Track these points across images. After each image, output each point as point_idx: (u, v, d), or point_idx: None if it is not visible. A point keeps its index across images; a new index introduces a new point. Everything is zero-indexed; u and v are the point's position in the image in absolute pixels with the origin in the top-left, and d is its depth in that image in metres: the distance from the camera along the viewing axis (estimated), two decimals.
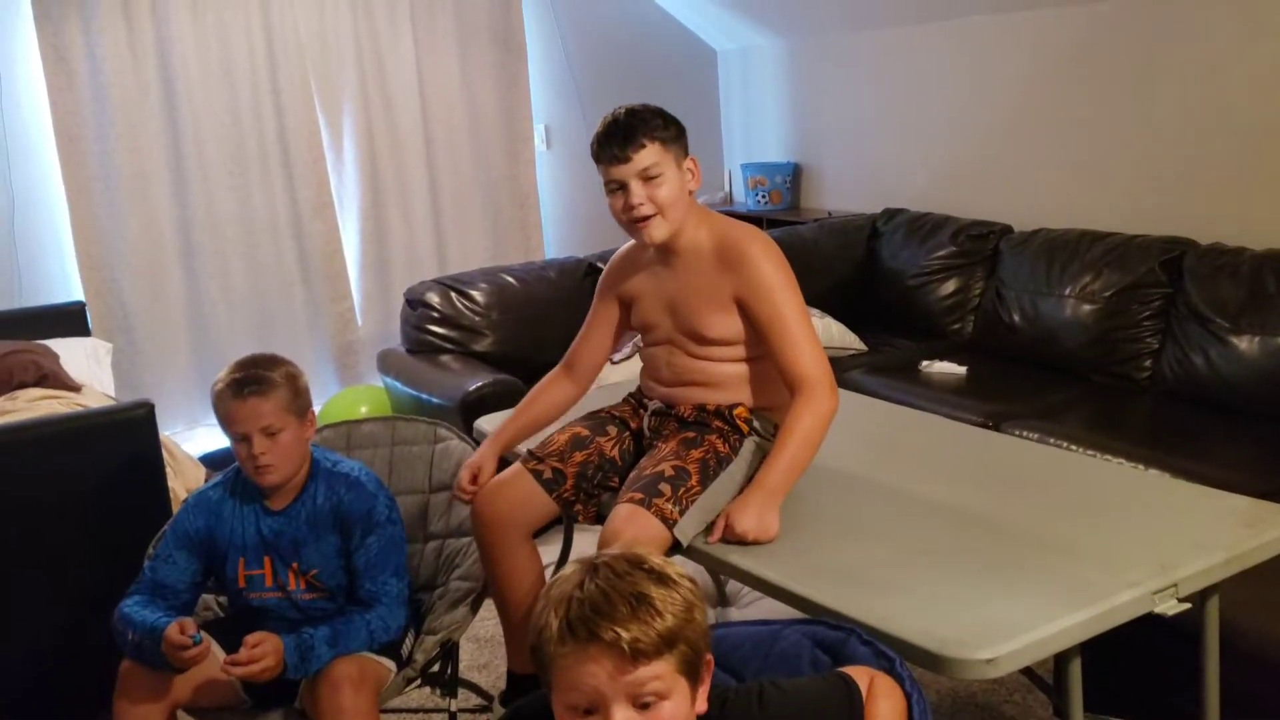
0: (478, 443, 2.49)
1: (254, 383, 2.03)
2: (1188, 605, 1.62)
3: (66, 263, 4.26)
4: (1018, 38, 4.06)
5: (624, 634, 1.14)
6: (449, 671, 2.20)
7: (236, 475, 2.16)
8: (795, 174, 5.17)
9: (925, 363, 3.73)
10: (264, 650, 1.90)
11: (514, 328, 4.02)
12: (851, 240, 4.50)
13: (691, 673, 1.20)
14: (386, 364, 4.07)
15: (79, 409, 3.19)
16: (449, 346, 3.96)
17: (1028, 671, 2.39)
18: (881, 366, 3.83)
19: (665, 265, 2.16)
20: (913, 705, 1.34)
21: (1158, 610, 1.59)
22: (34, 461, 2.55)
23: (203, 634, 1.91)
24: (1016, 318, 3.78)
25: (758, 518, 1.88)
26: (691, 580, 1.24)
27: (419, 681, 2.17)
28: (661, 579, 1.20)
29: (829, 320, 4.03)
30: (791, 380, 2.01)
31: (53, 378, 3.52)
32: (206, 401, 4.29)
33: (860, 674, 1.35)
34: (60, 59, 4.06)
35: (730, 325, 2.07)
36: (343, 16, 4.58)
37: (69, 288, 4.26)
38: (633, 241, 2.23)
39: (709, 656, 1.24)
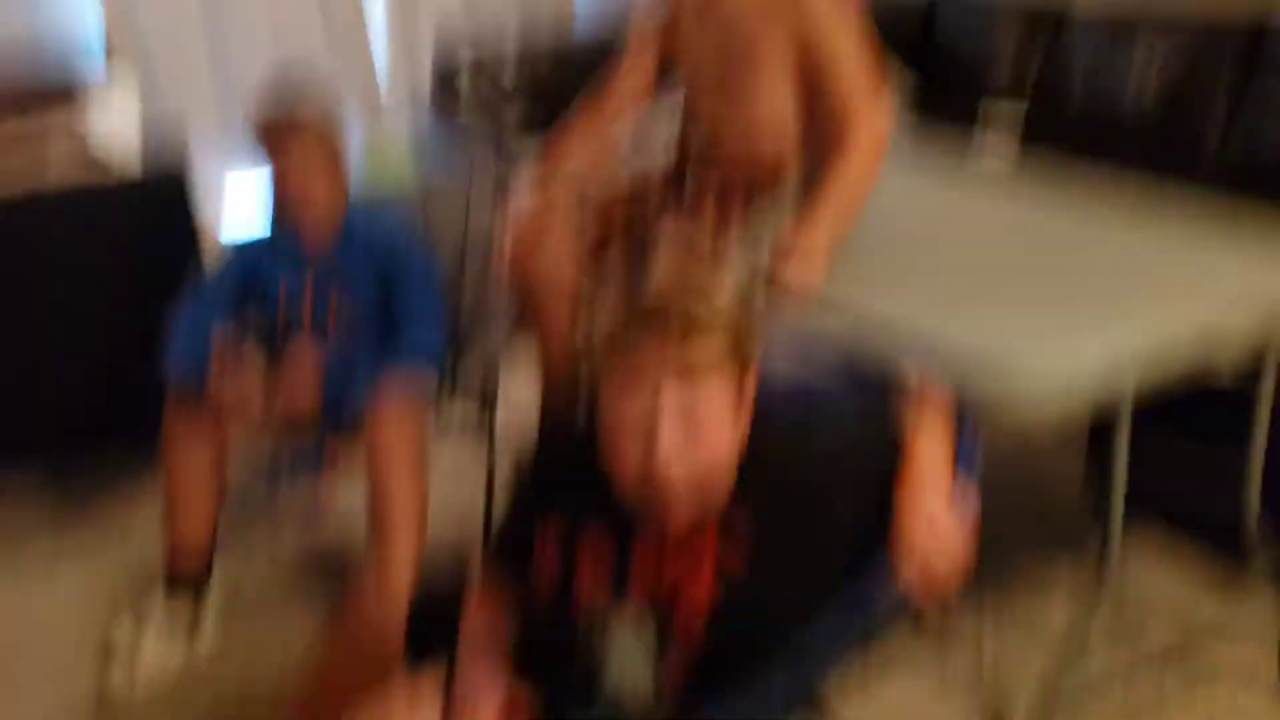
0: None
1: (289, 119, 2.02)
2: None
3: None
4: None
5: (675, 308, 1.16)
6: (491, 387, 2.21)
7: (274, 228, 2.15)
8: None
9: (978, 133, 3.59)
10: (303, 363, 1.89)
11: (548, 100, 3.89)
12: (903, 21, 4.26)
13: (740, 359, 1.18)
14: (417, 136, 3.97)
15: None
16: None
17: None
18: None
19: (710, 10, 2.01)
20: (964, 432, 1.31)
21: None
22: (77, 219, 2.51)
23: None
24: (1076, 102, 3.60)
25: (800, 271, 1.81)
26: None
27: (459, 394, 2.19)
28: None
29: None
30: (840, 124, 1.91)
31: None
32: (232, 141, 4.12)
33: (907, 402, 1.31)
34: None
35: (781, 67, 1.95)
36: None
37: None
38: None
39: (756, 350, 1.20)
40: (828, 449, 1.26)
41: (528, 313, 2.11)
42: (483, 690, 1.20)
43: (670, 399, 1.12)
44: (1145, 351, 1.53)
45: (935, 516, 1.22)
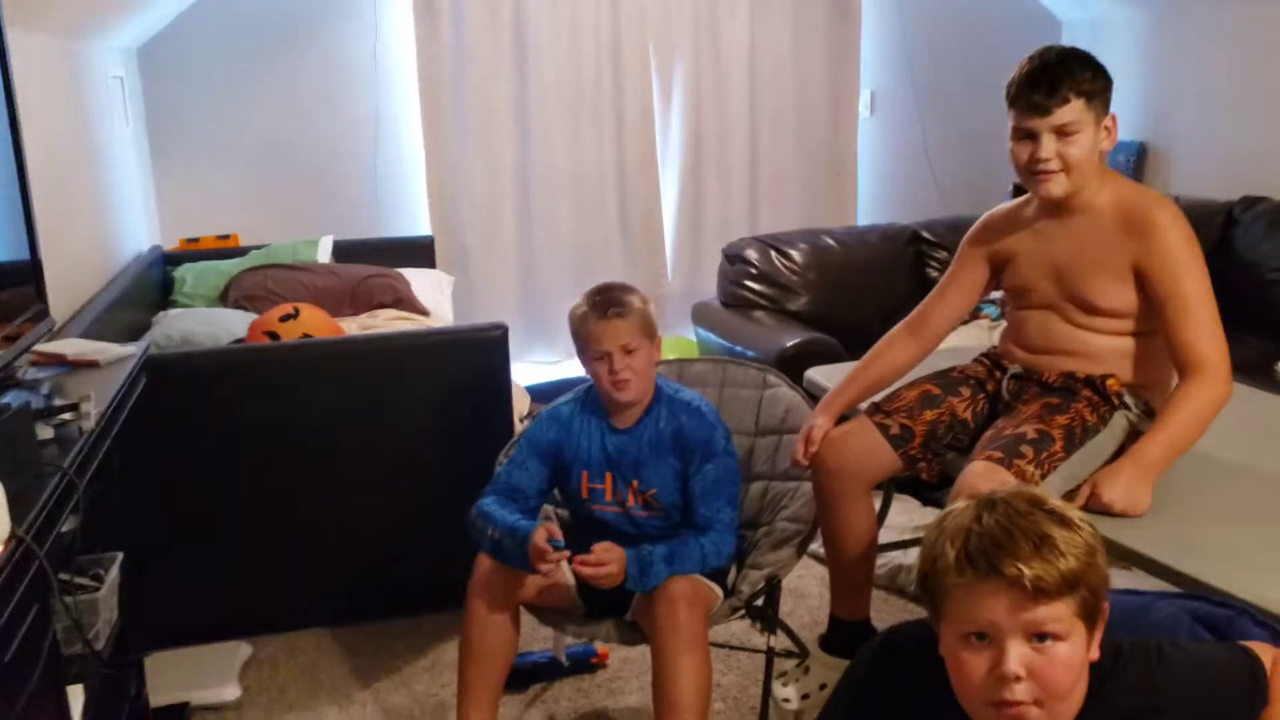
0: (807, 392, 2.51)
1: (616, 305, 2.16)
2: None
3: (417, 200, 4.62)
4: None
5: (1026, 571, 1.14)
6: (771, 608, 2.24)
7: (587, 394, 2.29)
8: (1140, 154, 4.84)
9: None
10: (611, 558, 2.01)
11: (830, 289, 4.02)
12: (1202, 228, 4.08)
13: (1090, 617, 1.18)
14: (701, 316, 4.17)
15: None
16: (763, 303, 4.00)
17: None
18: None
19: (1055, 224, 2.06)
20: None
21: None
22: (402, 368, 2.82)
23: (562, 541, 2.03)
24: None
25: (1127, 488, 1.81)
26: (1092, 525, 1.21)
27: (742, 612, 2.23)
28: (1064, 521, 1.18)
29: None
30: (1185, 360, 1.91)
31: (406, 301, 3.86)
32: (530, 336, 4.56)
33: (1263, 650, 1.27)
34: (429, 11, 4.38)
35: (1124, 296, 1.97)
36: None
37: (417, 223, 4.63)
38: (1013, 201, 2.15)
39: (1105, 604, 1.20)
40: (1179, 691, 1.23)
41: (826, 508, 2.16)
42: None
43: (1017, 654, 1.14)
44: None
45: None
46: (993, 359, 2.22)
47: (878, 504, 2.65)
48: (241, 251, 4.05)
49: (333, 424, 2.79)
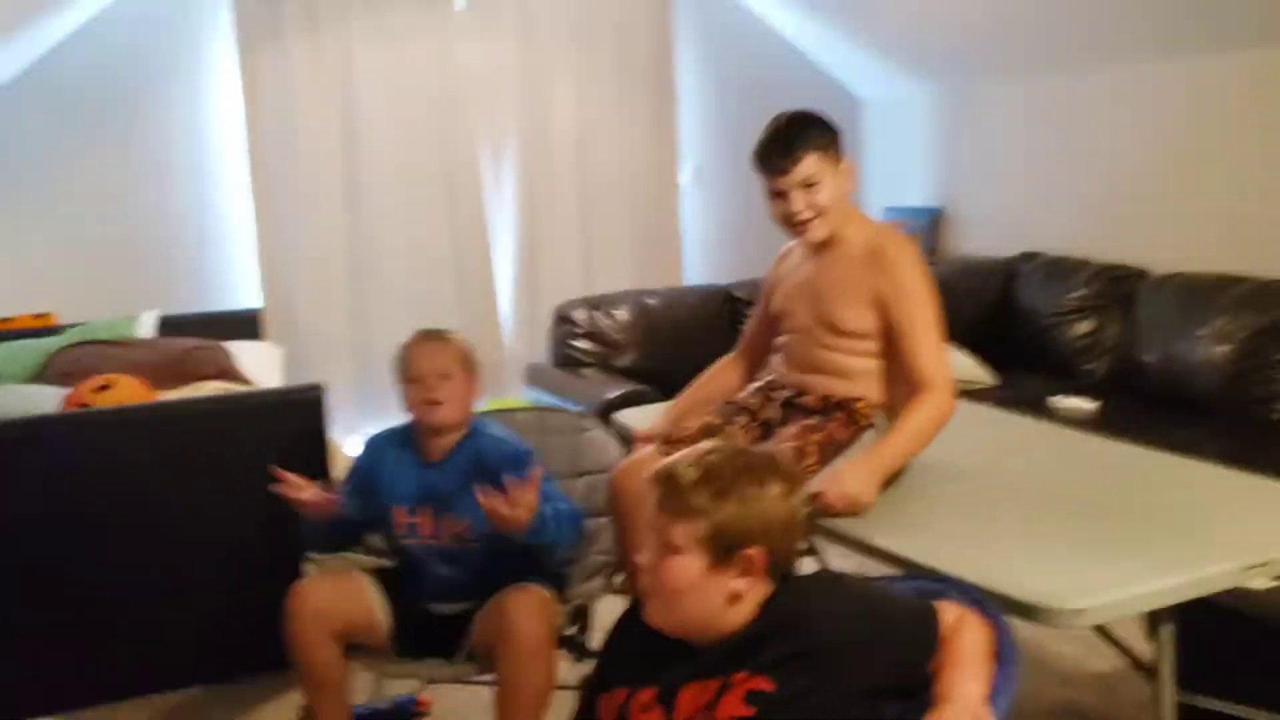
0: (620, 435, 2.67)
1: (436, 336, 2.34)
2: (1278, 583, 1.67)
3: (245, 272, 4.65)
4: (1163, 88, 4.09)
5: (661, 485, 1.43)
6: (582, 637, 2.36)
7: (405, 429, 2.40)
8: (937, 219, 5.26)
9: (1055, 398, 3.75)
10: (528, 500, 2.09)
11: (654, 346, 4.24)
12: (987, 281, 4.56)
13: (717, 553, 1.39)
14: (533, 376, 4.32)
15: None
16: (591, 360, 4.19)
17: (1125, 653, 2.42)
18: (1010, 400, 3.85)
19: (814, 257, 2.30)
20: (1002, 639, 1.43)
21: (1248, 585, 1.64)
22: (218, 432, 2.86)
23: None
24: (1150, 358, 3.78)
25: (849, 485, 1.96)
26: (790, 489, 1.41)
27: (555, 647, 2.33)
28: (751, 472, 1.41)
29: (959, 353, 4.09)
30: (915, 380, 2.13)
31: (231, 373, 3.86)
32: (363, 409, 4.58)
33: (949, 608, 1.46)
34: (256, 83, 4.47)
35: (865, 320, 2.20)
36: (509, 55, 4.90)
37: (245, 295, 4.66)
38: (793, 241, 2.38)
39: (751, 553, 1.40)
40: (846, 613, 1.41)
41: (621, 531, 2.30)
42: None
43: (644, 561, 1.44)
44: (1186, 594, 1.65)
45: (970, 702, 1.34)
46: (764, 390, 2.42)
47: None
48: (57, 330, 4.00)
49: (147, 491, 2.79)
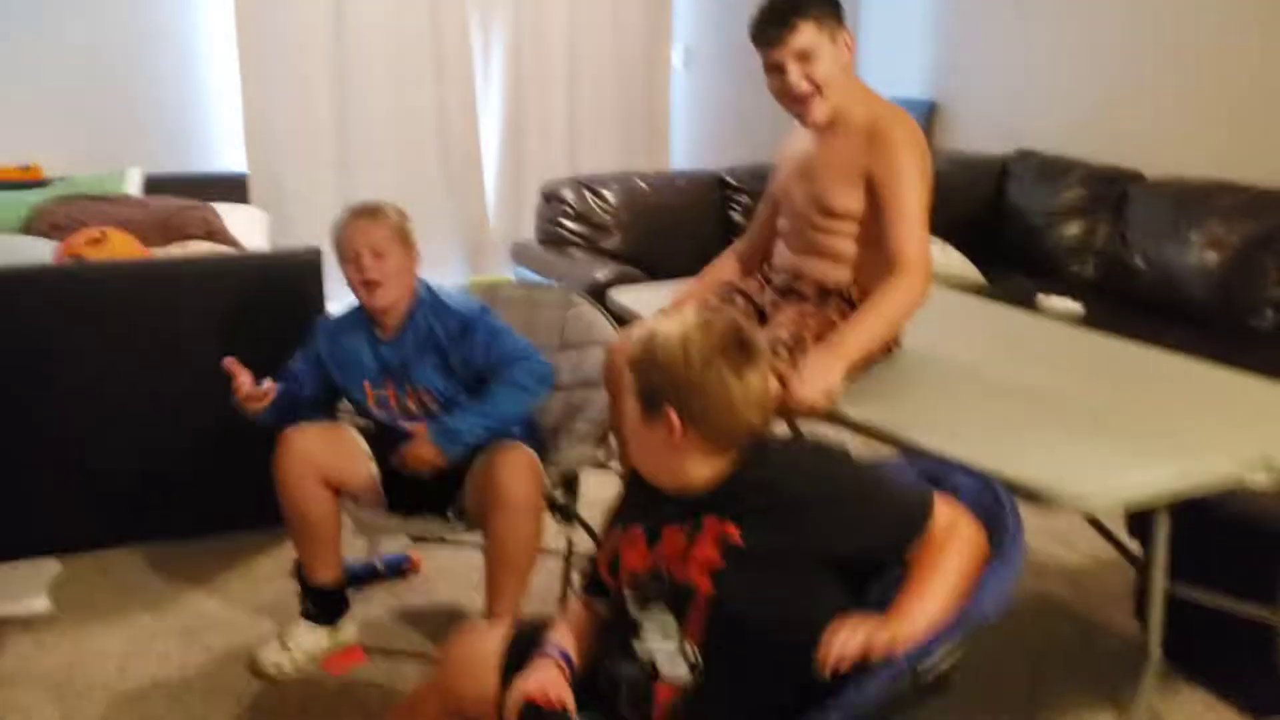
0: (611, 313, 2.68)
1: (368, 211, 2.30)
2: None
3: (232, 135, 4.55)
4: None
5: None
6: (570, 502, 2.40)
7: (357, 309, 2.39)
8: (931, 111, 5.20)
9: (1042, 296, 3.79)
10: (424, 452, 2.14)
11: (642, 229, 4.21)
12: (981, 177, 4.54)
13: (645, 398, 1.46)
14: (519, 254, 4.29)
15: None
16: (579, 241, 4.16)
17: (1114, 542, 2.50)
18: (998, 298, 3.88)
19: (818, 138, 2.26)
20: (1008, 526, 1.46)
21: (1248, 480, 1.69)
22: (214, 291, 2.85)
23: (268, 382, 2.24)
24: (1139, 261, 3.80)
25: (807, 390, 1.93)
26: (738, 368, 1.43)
27: (545, 506, 2.37)
28: (734, 346, 1.44)
29: (949, 249, 4.10)
30: (891, 259, 2.10)
31: (219, 234, 3.81)
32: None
33: (945, 509, 1.47)
34: None
35: (854, 199, 2.18)
36: None
37: (231, 160, 4.56)
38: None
39: (667, 407, 1.43)
40: (818, 475, 1.45)
41: (614, 398, 2.32)
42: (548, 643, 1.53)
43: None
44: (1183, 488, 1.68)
45: (933, 599, 1.38)
46: (764, 276, 2.42)
47: None
48: (44, 183, 3.92)
49: (143, 347, 2.79)
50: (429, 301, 2.36)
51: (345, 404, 2.52)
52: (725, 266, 2.54)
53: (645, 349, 1.46)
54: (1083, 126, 4.44)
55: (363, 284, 2.27)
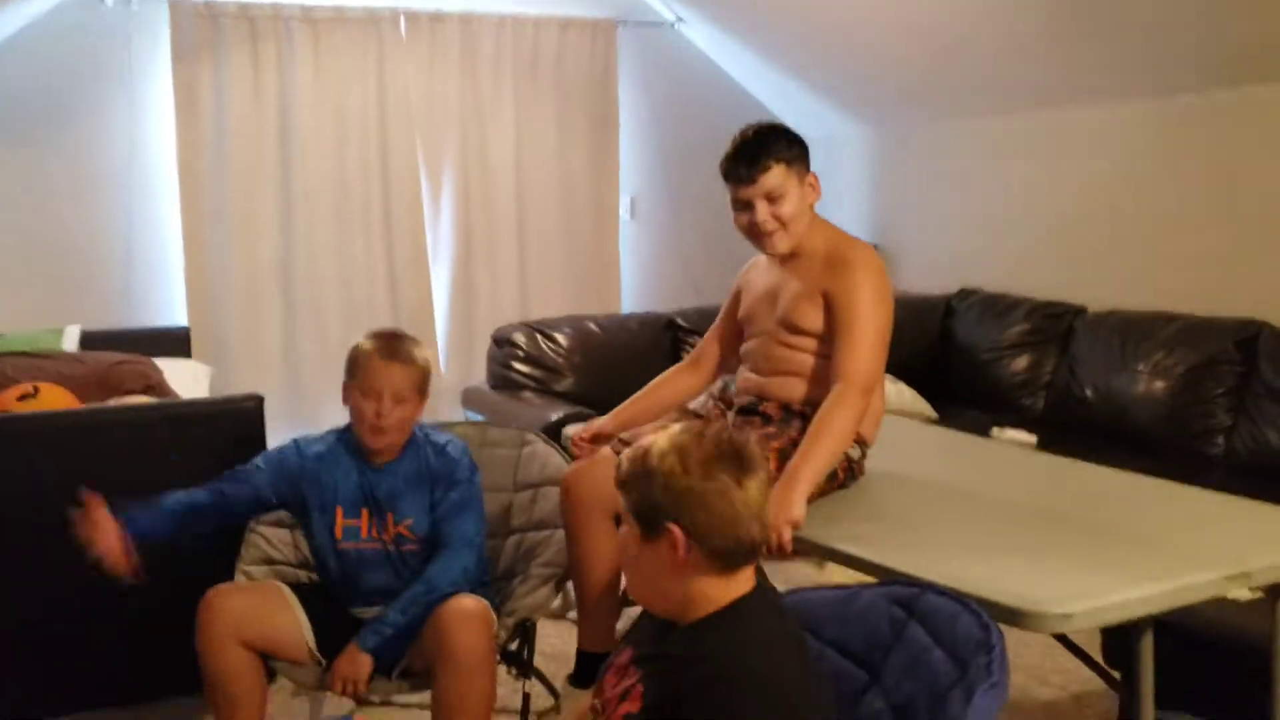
0: (565, 450, 2.61)
1: (404, 354, 2.23)
2: (1259, 594, 1.67)
3: (173, 289, 4.51)
4: (1099, 130, 4.19)
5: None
6: (526, 653, 2.27)
7: (342, 434, 2.32)
8: None
9: (996, 430, 3.78)
10: (351, 672, 2.07)
11: (594, 371, 4.17)
12: (926, 317, 4.60)
13: (642, 520, 1.41)
14: (470, 399, 4.23)
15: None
16: (531, 384, 4.11)
17: (1096, 667, 2.41)
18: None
19: (781, 265, 2.30)
20: (994, 643, 1.39)
21: (1230, 595, 1.64)
22: (153, 441, 2.74)
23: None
24: (1088, 393, 3.83)
25: (780, 513, 1.90)
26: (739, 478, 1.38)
27: (497, 658, 2.25)
28: (721, 457, 1.39)
29: (901, 386, 4.11)
30: (834, 373, 2.11)
31: (158, 388, 3.71)
32: (295, 431, 4.46)
33: None
34: (190, 99, 4.37)
35: (815, 318, 2.19)
36: (451, 82, 4.86)
37: (173, 313, 4.50)
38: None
39: (670, 526, 1.38)
40: (750, 671, 1.34)
41: (571, 539, 2.24)
42: None
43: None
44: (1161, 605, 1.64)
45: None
46: (725, 400, 2.39)
47: None
48: None
49: (73, 503, 2.64)
50: (422, 437, 2.32)
51: (262, 518, 2.40)
52: (671, 384, 2.50)
53: (639, 465, 1.40)
54: (1024, 263, 4.54)
55: (372, 426, 2.20)
